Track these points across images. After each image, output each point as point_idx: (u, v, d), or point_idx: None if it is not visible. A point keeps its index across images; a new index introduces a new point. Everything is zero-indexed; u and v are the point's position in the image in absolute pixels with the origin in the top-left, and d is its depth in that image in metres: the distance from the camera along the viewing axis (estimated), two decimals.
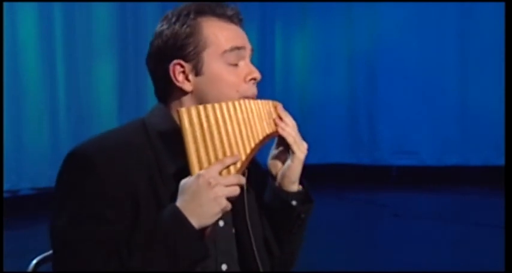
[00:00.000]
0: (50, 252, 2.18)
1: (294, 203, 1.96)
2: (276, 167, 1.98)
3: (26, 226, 6.67)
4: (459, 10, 8.81)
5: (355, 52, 9.29)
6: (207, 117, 1.78)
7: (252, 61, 1.94)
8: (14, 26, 7.19)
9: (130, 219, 1.76)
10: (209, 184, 1.72)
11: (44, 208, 7.26)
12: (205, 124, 1.78)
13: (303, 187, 1.99)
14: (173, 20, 1.89)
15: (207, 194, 1.71)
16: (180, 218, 1.71)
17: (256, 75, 1.90)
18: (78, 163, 1.78)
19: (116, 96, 7.96)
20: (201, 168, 1.76)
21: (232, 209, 1.80)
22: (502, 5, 8.35)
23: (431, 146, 8.98)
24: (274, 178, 1.98)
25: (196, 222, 1.71)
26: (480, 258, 5.54)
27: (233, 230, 1.94)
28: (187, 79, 1.87)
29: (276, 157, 1.98)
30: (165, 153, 1.83)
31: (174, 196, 1.77)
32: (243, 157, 1.81)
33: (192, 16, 1.88)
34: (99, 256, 1.72)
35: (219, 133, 1.79)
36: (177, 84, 1.88)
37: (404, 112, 9.00)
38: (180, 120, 1.77)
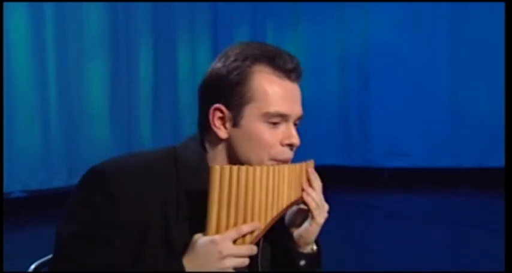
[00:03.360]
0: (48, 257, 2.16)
1: (302, 263, 1.90)
2: (295, 223, 1.91)
3: (17, 229, 6.64)
4: (451, 11, 8.81)
5: (347, 53, 9.28)
6: (238, 178, 1.72)
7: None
8: (5, 27, 7.15)
9: (135, 247, 1.74)
10: (220, 253, 1.68)
11: (35, 210, 7.28)
12: (234, 186, 1.72)
13: (318, 247, 1.93)
14: (230, 60, 1.81)
15: (215, 264, 1.69)
16: None
17: (295, 140, 1.83)
18: (94, 180, 1.77)
19: (108, 99, 7.93)
20: (218, 230, 1.72)
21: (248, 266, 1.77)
22: (494, 6, 8.38)
23: (423, 147, 8.97)
24: (290, 235, 1.91)
25: None
26: (473, 260, 5.54)
27: None
28: (224, 125, 1.81)
29: (295, 214, 1.90)
30: (188, 190, 1.79)
31: (183, 238, 1.76)
32: (262, 226, 1.75)
33: (248, 62, 1.80)
34: None
35: (246, 197, 1.73)
36: (213, 128, 1.82)
37: (396, 113, 8.99)
38: (210, 177, 1.71)
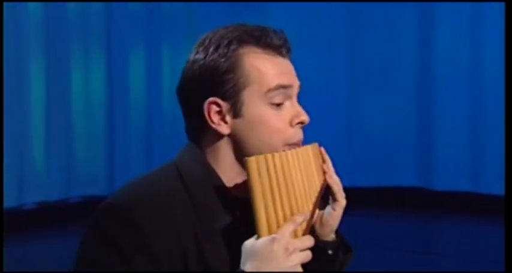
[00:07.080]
0: None
1: (330, 252, 1.73)
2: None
3: None
4: (349, 26, 8.86)
5: None
6: (274, 166, 1.58)
7: (299, 101, 1.75)
8: None
9: None
10: (286, 250, 1.53)
11: None
12: (273, 176, 1.57)
13: (338, 235, 1.78)
14: (211, 48, 1.65)
15: (285, 262, 1.53)
16: None
17: (304, 117, 1.71)
18: (115, 217, 1.57)
19: None
20: (269, 226, 1.56)
21: None
22: (392, 25, 8.51)
23: None
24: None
25: None
26: None
27: None
28: (223, 120, 1.64)
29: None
30: (205, 205, 1.63)
31: (217, 255, 1.61)
32: (308, 215, 1.63)
33: (233, 46, 1.64)
34: None
35: (286, 185, 1.59)
36: (212, 125, 1.64)
37: None
38: (248, 171, 1.55)
